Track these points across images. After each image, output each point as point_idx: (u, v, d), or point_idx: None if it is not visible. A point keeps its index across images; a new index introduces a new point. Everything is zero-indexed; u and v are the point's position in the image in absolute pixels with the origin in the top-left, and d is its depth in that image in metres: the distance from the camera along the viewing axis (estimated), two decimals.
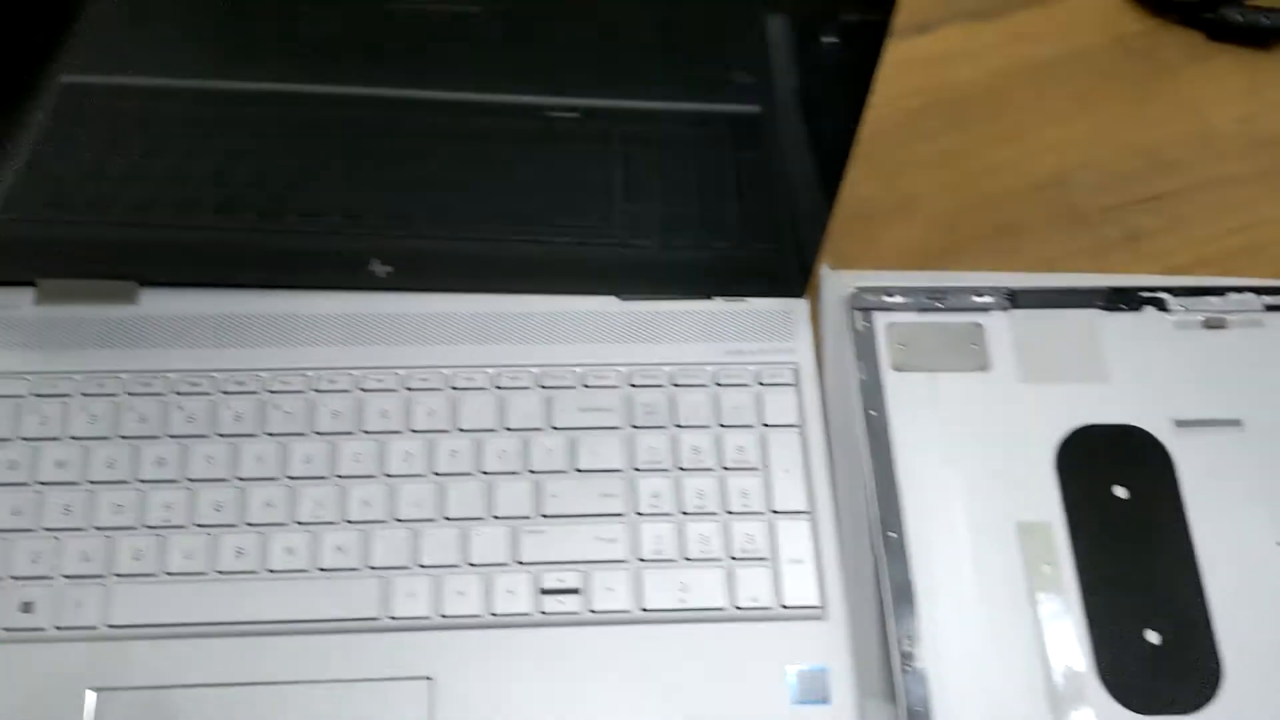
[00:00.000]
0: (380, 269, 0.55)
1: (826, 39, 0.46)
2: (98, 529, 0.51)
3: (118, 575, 0.50)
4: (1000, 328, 0.59)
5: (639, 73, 0.50)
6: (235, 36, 0.47)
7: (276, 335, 0.55)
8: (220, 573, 0.51)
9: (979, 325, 0.59)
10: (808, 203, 0.54)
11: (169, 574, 0.50)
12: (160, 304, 0.56)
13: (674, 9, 0.47)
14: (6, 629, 0.49)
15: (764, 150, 0.52)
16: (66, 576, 0.50)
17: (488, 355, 0.56)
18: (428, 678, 0.49)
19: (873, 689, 0.51)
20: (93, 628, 0.49)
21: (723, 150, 0.53)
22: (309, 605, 0.50)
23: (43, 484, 0.52)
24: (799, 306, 0.58)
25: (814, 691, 0.50)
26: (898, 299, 0.59)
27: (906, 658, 0.51)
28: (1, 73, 0.47)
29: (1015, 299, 0.60)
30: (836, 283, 0.59)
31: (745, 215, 0.55)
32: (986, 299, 0.60)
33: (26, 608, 0.49)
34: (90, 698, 0.48)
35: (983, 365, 0.58)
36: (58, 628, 0.49)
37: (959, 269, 0.61)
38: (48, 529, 0.51)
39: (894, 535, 0.54)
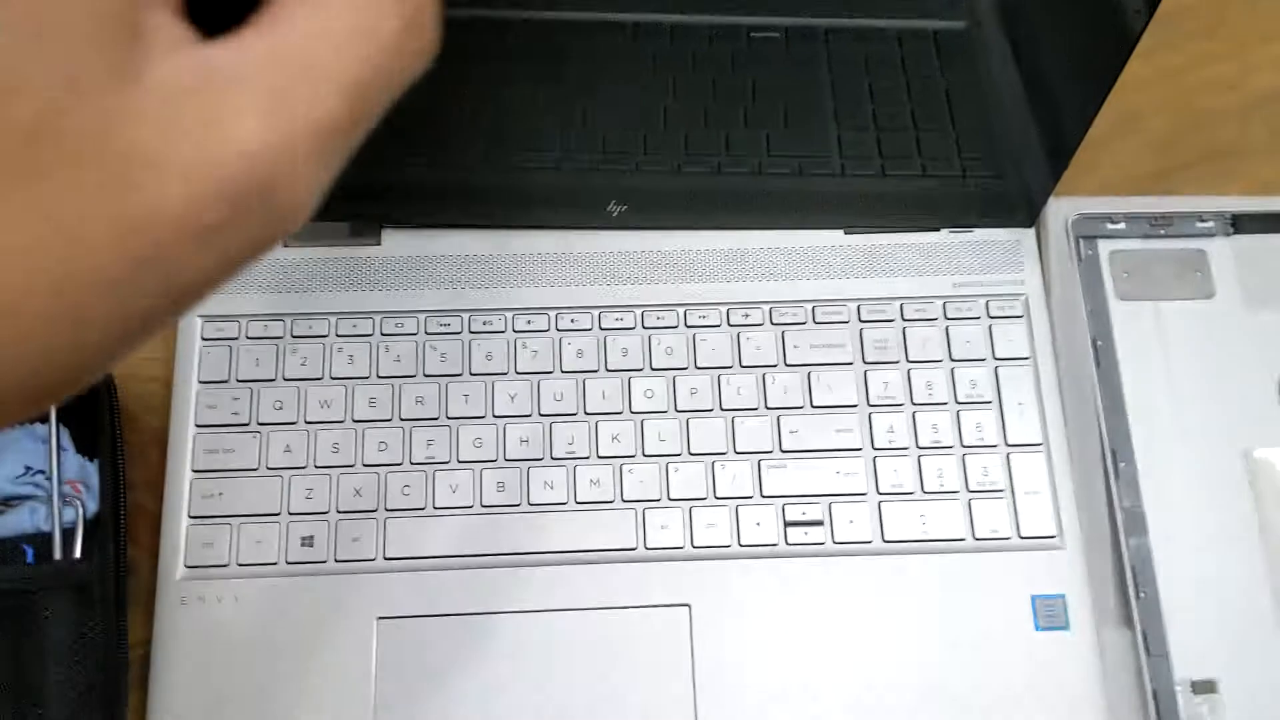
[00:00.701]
0: (615, 208, 0.56)
1: None
2: (366, 466, 0.54)
3: (389, 510, 0.53)
4: (1224, 254, 0.59)
5: None
6: None
7: (518, 275, 0.57)
8: (485, 506, 0.53)
9: (1202, 251, 0.59)
10: (1055, 131, 0.53)
11: (436, 509, 0.53)
12: (403, 244, 0.57)
13: None
14: (290, 562, 0.52)
15: (1012, 74, 0.52)
16: (341, 511, 0.53)
17: (719, 292, 0.57)
18: (686, 604, 0.52)
19: (1109, 615, 0.53)
20: (370, 559, 0.52)
21: (958, 74, 0.53)
22: (569, 537, 0.53)
23: (309, 423, 0.54)
24: (1027, 236, 0.58)
25: (1054, 618, 0.52)
26: (1121, 226, 0.59)
27: (1140, 585, 0.53)
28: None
29: (1238, 224, 0.59)
30: (1059, 209, 0.59)
31: (979, 143, 0.55)
32: (1209, 224, 0.59)
33: (307, 542, 0.52)
34: (374, 625, 0.51)
35: (1207, 293, 0.58)
36: (337, 560, 0.52)
37: (1178, 192, 0.61)
38: (319, 467, 0.53)
39: (1125, 464, 0.55)
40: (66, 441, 0.53)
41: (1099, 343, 0.57)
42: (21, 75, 0.18)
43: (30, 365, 0.19)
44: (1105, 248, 0.59)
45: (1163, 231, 0.59)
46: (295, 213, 0.21)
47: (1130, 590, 0.53)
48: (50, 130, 0.18)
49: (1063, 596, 0.52)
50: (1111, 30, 0.48)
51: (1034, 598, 0.52)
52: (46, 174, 0.18)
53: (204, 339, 0.55)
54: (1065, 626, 0.52)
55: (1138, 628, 0.52)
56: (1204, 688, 0.52)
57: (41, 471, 0.53)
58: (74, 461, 0.53)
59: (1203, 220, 0.59)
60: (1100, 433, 0.55)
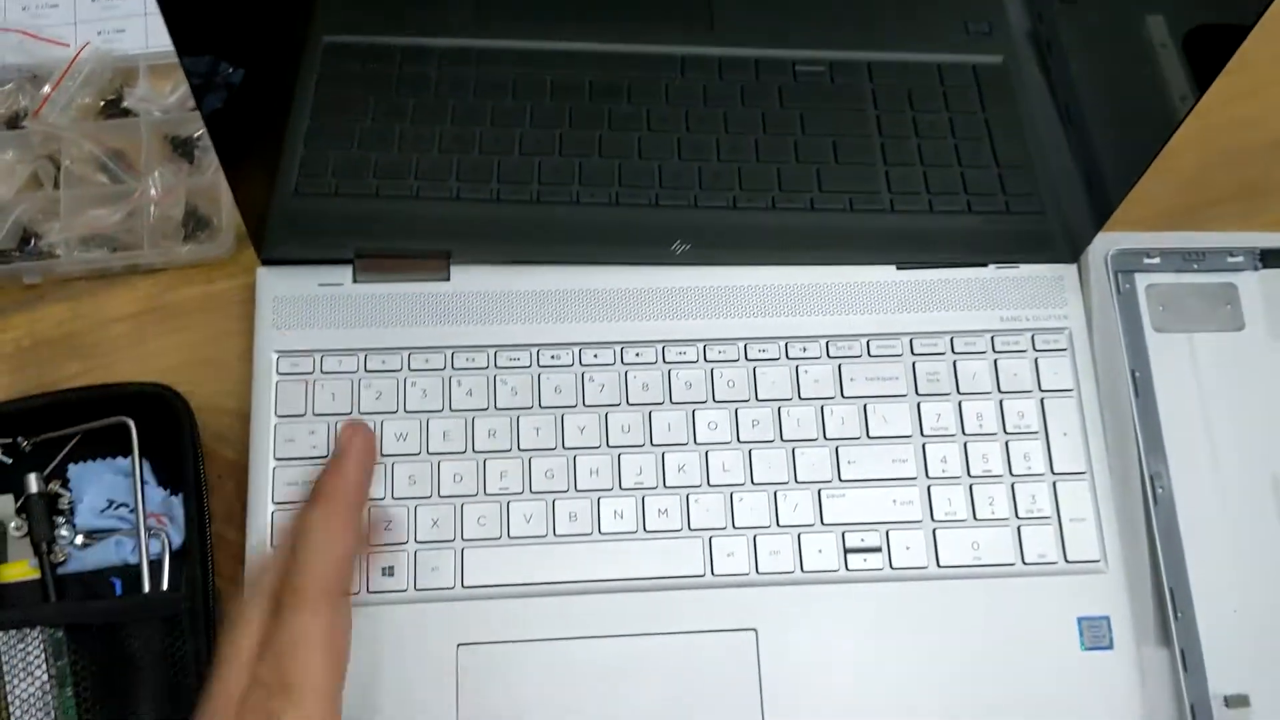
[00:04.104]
0: (679, 246, 0.58)
1: None
2: (442, 497, 0.55)
3: (466, 540, 0.55)
4: (1252, 287, 0.62)
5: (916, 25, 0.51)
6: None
7: (584, 310, 0.59)
8: (558, 536, 0.55)
9: (1233, 285, 0.62)
10: (1098, 172, 0.55)
11: (511, 538, 0.55)
12: (472, 280, 0.59)
13: None
14: (373, 592, 0.54)
15: (1051, 113, 0.54)
16: (420, 542, 0.55)
17: (778, 326, 0.59)
18: (753, 629, 0.54)
19: (1149, 635, 0.56)
20: (449, 588, 0.54)
21: (998, 110, 0.54)
22: (639, 565, 0.55)
23: (386, 456, 0.56)
24: (1069, 271, 0.61)
25: (1099, 639, 0.55)
26: (1156, 260, 0.62)
27: (1178, 605, 0.56)
28: (278, 35, 0.48)
29: (1265, 259, 0.62)
30: (1099, 245, 0.62)
31: (1022, 181, 0.57)
32: (1239, 259, 0.62)
33: (388, 572, 0.54)
34: (455, 651, 0.53)
35: (1237, 325, 0.61)
36: (417, 589, 0.54)
37: (1208, 227, 0.64)
38: (397, 498, 0.55)
39: (1162, 490, 0.58)
40: (149, 475, 0.55)
41: (1137, 374, 0.60)
42: None
43: None
44: (1142, 281, 0.62)
45: (1195, 266, 0.62)
46: None
47: (1169, 610, 0.56)
48: None
49: (1107, 618, 0.55)
50: (1156, 102, 0.50)
51: (1080, 619, 0.55)
52: None
53: (280, 373, 0.57)
54: (1109, 646, 0.55)
55: (1176, 646, 0.56)
56: (1237, 702, 0.55)
57: (125, 504, 0.54)
58: (156, 495, 0.55)
59: (1233, 255, 0.62)
60: (1139, 460, 0.58)
